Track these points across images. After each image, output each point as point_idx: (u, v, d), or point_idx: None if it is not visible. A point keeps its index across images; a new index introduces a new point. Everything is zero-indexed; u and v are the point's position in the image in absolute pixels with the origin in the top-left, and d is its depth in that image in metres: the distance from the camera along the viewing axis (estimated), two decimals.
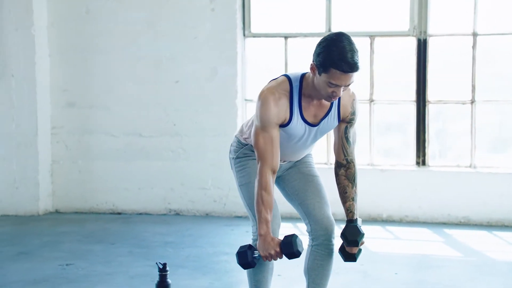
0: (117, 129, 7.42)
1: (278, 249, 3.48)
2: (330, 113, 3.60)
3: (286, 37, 7.21)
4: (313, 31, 7.17)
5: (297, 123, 3.57)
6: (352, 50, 3.34)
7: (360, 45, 6.95)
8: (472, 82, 6.94)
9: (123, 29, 7.34)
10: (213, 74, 7.21)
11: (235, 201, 7.08)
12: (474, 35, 6.88)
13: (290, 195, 3.84)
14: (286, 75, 3.57)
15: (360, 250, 3.74)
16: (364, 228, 6.54)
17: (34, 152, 7.37)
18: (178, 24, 7.25)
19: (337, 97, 3.42)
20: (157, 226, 6.84)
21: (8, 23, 7.27)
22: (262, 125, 3.50)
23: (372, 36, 7.06)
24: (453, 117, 7.33)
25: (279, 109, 3.50)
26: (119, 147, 7.42)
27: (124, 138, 7.41)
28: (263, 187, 3.49)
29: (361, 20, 7.20)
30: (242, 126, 3.87)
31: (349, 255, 3.72)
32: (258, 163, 3.51)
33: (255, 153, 3.54)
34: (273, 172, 3.52)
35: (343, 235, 3.69)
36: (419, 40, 6.96)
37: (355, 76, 3.39)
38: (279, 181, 3.86)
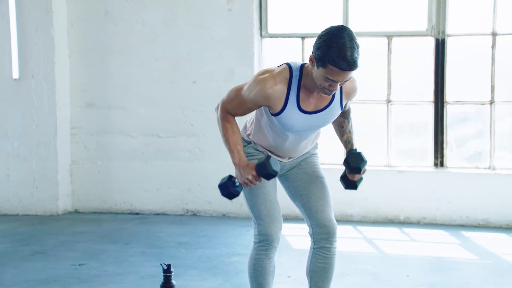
0: (135, 129, 7.49)
1: (254, 173, 3.52)
2: (333, 103, 3.59)
3: (303, 37, 7.22)
4: None
5: (291, 113, 3.54)
6: (353, 47, 3.30)
7: (377, 45, 7.03)
8: (491, 82, 6.89)
9: (141, 29, 7.41)
10: (230, 75, 7.25)
11: None
12: (494, 34, 6.84)
13: (293, 195, 3.86)
14: (288, 64, 3.55)
15: (361, 179, 3.77)
16: (381, 230, 6.60)
17: (54, 152, 7.46)
18: (195, 24, 7.30)
19: (333, 92, 3.42)
20: (173, 227, 6.90)
21: (28, 24, 7.37)
22: (246, 96, 3.53)
23: (389, 36, 7.04)
24: (472, 118, 7.28)
25: (272, 100, 3.50)
26: (137, 148, 7.49)
27: (142, 139, 7.48)
28: (226, 119, 3.60)
29: (378, 20, 7.18)
30: (246, 122, 3.88)
31: (350, 183, 3.77)
32: (220, 104, 3.60)
33: (226, 95, 3.61)
34: (233, 117, 3.62)
35: (345, 162, 3.71)
36: (437, 40, 6.94)
37: (354, 73, 3.40)
38: (284, 180, 3.88)
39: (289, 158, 3.81)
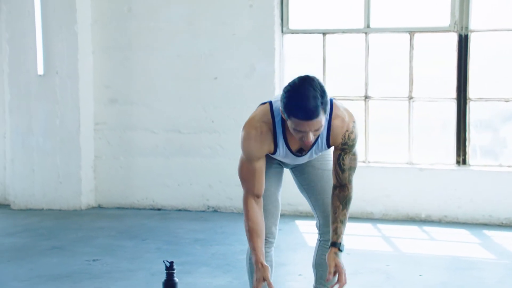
0: (157, 125, 7.56)
1: (265, 275, 3.52)
2: (317, 143, 3.57)
3: (324, 34, 7.22)
4: (352, 27, 7.19)
5: (283, 152, 3.59)
6: (310, 96, 3.24)
7: (400, 41, 6.99)
8: None
9: (163, 26, 7.48)
10: (251, 71, 7.28)
11: None
12: None
13: (301, 187, 3.88)
14: (270, 103, 3.55)
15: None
16: (401, 228, 6.50)
17: (77, 147, 7.56)
18: (217, 21, 7.34)
19: (310, 142, 3.36)
20: (192, 223, 6.94)
21: (52, 21, 7.48)
22: (246, 157, 3.56)
23: (411, 32, 7.01)
24: (497, 115, 7.21)
25: (262, 143, 3.51)
26: (159, 144, 7.56)
27: (164, 135, 7.55)
28: (248, 217, 3.61)
29: (400, 16, 7.15)
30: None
31: None
32: (243, 191, 3.61)
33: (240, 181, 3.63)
34: (257, 197, 3.61)
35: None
36: (460, 36, 6.88)
37: (319, 121, 3.30)
38: (293, 171, 3.89)
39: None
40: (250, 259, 3.81)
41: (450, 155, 7.07)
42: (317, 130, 3.34)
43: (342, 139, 3.56)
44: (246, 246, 5.95)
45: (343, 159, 3.60)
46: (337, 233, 3.61)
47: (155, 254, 5.81)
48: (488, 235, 6.49)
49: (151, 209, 7.61)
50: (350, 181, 3.65)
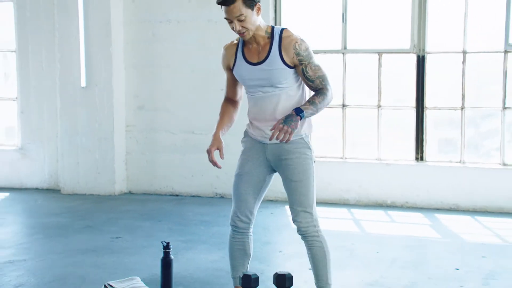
0: (175, 127, 7.54)
1: (219, 146, 3.60)
2: (271, 53, 3.40)
3: None
4: (331, 48, 7.08)
5: (240, 64, 3.51)
6: None
7: (370, 60, 6.89)
8: (462, 91, 6.72)
9: (180, 48, 7.45)
10: None
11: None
12: (464, 52, 6.65)
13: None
14: None
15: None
16: (370, 212, 6.35)
17: (112, 145, 7.56)
18: (223, 43, 7.18)
19: (238, 32, 3.34)
20: (201, 207, 6.91)
21: (92, 44, 7.49)
22: (223, 68, 3.69)
23: (380, 53, 6.92)
24: (448, 120, 7.11)
25: (226, 57, 3.59)
26: (177, 142, 7.54)
27: (181, 135, 7.52)
28: (221, 106, 3.80)
29: (370, 40, 7.06)
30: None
31: None
32: None
33: None
34: (231, 100, 3.79)
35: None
36: (418, 56, 6.78)
37: (237, 9, 3.27)
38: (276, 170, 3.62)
39: (270, 130, 3.37)
40: (229, 244, 3.69)
41: (410, 153, 6.98)
42: (240, 21, 3.31)
43: (294, 49, 3.36)
44: None
45: (307, 72, 3.40)
46: (303, 105, 3.35)
47: (166, 233, 5.78)
48: (438, 218, 6.41)
49: (170, 195, 7.60)
50: (324, 85, 3.39)
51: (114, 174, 7.57)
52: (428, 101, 6.83)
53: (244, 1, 3.31)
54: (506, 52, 6.57)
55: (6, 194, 7.69)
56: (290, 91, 3.47)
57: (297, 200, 3.50)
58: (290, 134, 3.27)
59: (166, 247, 4.20)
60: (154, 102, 7.61)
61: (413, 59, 6.82)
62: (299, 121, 3.30)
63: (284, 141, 3.29)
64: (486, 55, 6.76)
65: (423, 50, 6.75)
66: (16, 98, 8.05)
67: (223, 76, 7.91)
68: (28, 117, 7.97)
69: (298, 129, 3.44)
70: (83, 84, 7.53)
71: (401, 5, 6.82)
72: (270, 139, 3.35)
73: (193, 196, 7.52)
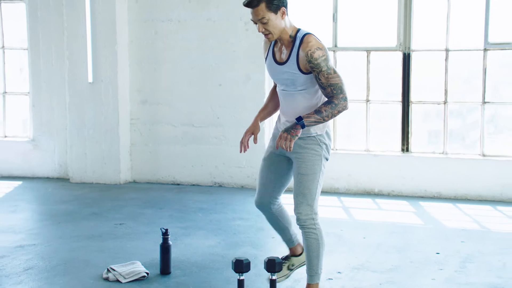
0: (176, 120, 7.64)
1: (254, 131, 3.71)
2: (290, 57, 3.45)
3: None
4: None
5: (269, 60, 3.60)
6: None
7: (359, 57, 7.00)
8: (445, 87, 6.84)
9: (181, 45, 7.54)
10: (247, 80, 7.34)
11: None
12: (447, 50, 6.77)
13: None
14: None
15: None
16: (359, 200, 6.43)
17: (117, 137, 7.66)
18: (221, 41, 7.40)
19: (263, 33, 3.42)
20: (201, 195, 7.00)
21: (99, 42, 7.59)
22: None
23: (368, 51, 7.03)
24: (432, 114, 7.21)
25: (264, 49, 3.67)
26: (178, 134, 7.65)
27: (181, 128, 7.62)
28: (269, 93, 3.84)
29: (359, 38, 7.16)
30: None
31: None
32: None
33: None
34: (274, 87, 3.78)
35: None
36: (404, 54, 6.89)
37: (261, 11, 3.35)
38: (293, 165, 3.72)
39: (286, 122, 3.59)
40: None
41: (397, 145, 7.10)
42: (263, 23, 3.38)
43: (306, 57, 3.39)
44: (237, 214, 6.09)
45: (319, 79, 3.41)
46: (308, 114, 3.41)
47: (166, 219, 5.88)
48: (422, 205, 6.53)
49: (172, 184, 7.70)
50: (336, 95, 3.41)
51: (119, 164, 7.69)
52: (413, 96, 6.95)
53: (268, 4, 3.36)
54: (485, 50, 6.69)
55: (19, 182, 7.83)
56: (307, 94, 3.53)
57: (301, 192, 3.58)
58: (291, 141, 3.39)
59: (165, 234, 4.34)
60: (156, 96, 7.70)
61: (399, 56, 6.93)
62: (300, 129, 3.41)
63: (286, 148, 3.41)
64: (467, 53, 6.88)
65: (409, 48, 6.87)
66: (28, 92, 8.19)
67: (221, 72, 8.09)
68: (39, 111, 8.10)
69: (307, 129, 3.52)
70: (90, 79, 7.63)
71: (388, 5, 6.93)
72: (276, 147, 3.50)
73: (193, 185, 7.63)
